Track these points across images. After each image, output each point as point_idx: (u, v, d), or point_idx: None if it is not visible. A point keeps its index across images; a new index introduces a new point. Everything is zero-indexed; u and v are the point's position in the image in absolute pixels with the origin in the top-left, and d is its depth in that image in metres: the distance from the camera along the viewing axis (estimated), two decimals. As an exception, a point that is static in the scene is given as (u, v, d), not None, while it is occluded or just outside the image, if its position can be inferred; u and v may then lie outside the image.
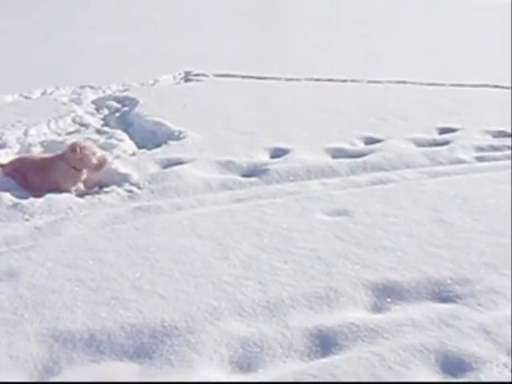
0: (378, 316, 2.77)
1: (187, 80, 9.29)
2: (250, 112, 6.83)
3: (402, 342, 2.51)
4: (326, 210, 4.03)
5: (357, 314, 2.77)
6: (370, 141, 5.97)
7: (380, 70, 9.54)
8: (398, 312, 2.80)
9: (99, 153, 4.44)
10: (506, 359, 2.43)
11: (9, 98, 7.22)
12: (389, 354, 2.41)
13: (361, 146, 5.80)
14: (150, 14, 16.91)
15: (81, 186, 4.47)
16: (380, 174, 5.02)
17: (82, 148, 4.35)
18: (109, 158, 4.65)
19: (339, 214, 3.98)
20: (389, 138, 5.96)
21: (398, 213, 4.02)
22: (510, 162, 5.53)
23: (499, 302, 2.88)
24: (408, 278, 3.08)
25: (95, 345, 2.44)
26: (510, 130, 6.51)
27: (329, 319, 2.68)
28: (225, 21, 15.83)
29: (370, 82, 9.14)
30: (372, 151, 5.59)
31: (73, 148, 4.40)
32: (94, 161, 4.32)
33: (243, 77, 9.35)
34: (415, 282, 3.06)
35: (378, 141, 5.94)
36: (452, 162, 5.45)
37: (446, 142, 5.98)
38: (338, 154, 5.50)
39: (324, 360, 2.40)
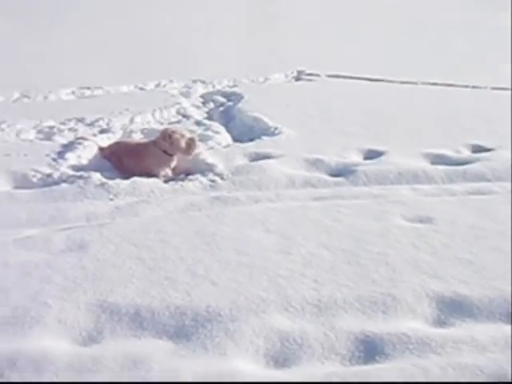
0: (437, 330, 2.57)
1: (298, 79, 9.34)
2: (352, 113, 6.70)
3: (453, 359, 2.31)
4: (407, 216, 3.83)
5: (413, 325, 2.59)
6: (477, 149, 5.59)
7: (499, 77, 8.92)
8: (460, 329, 2.59)
9: (188, 135, 4.60)
10: None
11: (124, 89, 7.73)
12: (435, 370, 2.23)
13: (466, 153, 5.45)
14: (275, 12, 17.22)
15: (169, 172, 4.66)
16: (480, 185, 4.68)
17: (172, 132, 4.54)
18: (199, 145, 4.80)
19: (421, 221, 3.77)
20: (500, 148, 5.56)
21: (488, 225, 3.72)
22: None
23: None
24: (480, 293, 2.84)
25: (139, 320, 2.53)
26: None
27: (380, 326, 2.54)
28: (342, 21, 15.69)
29: (493, 88, 8.61)
30: (477, 160, 5.24)
31: (163, 134, 4.60)
32: (183, 144, 4.49)
33: (355, 78, 9.21)
34: (488, 299, 2.81)
35: (487, 150, 5.56)
36: None
37: None
38: (437, 160, 5.21)
39: (363, 367, 2.28)
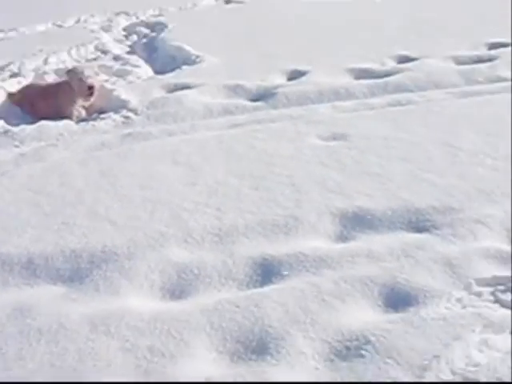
0: (337, 246, 2.60)
1: (228, 2, 9.01)
2: (279, 34, 6.52)
3: (348, 273, 2.34)
4: (322, 135, 3.80)
5: (314, 244, 2.61)
6: (403, 60, 5.54)
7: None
8: (359, 242, 2.61)
9: (90, 80, 4.40)
10: (460, 294, 2.22)
11: (40, 27, 7.34)
12: (328, 286, 2.26)
13: (391, 65, 5.40)
14: None
15: (83, 112, 4.49)
16: (401, 96, 4.66)
17: (74, 74, 4.34)
18: (108, 84, 4.62)
19: (335, 138, 3.74)
20: (426, 57, 5.50)
21: (402, 136, 3.72)
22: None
23: (478, 233, 2.61)
24: (384, 206, 2.85)
25: (32, 268, 2.48)
26: None
27: (279, 249, 2.55)
28: None
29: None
30: (401, 71, 5.20)
31: (68, 74, 4.40)
32: (85, 87, 4.31)
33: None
34: (391, 210, 2.82)
35: (413, 59, 5.52)
36: (490, 81, 4.94)
37: (491, 59, 5.44)
38: (362, 74, 5.15)
39: (257, 290, 2.30)
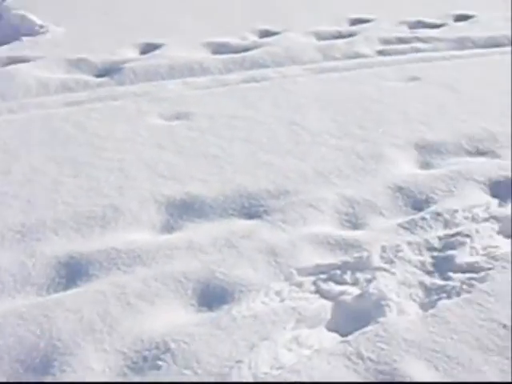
0: (159, 238, 2.38)
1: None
2: (137, 4, 6.14)
3: (162, 269, 2.14)
4: (165, 114, 3.55)
5: (133, 237, 2.37)
6: (264, 34, 5.41)
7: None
8: (185, 232, 2.42)
9: None
10: (280, 287, 2.09)
11: None
12: (136, 286, 2.04)
13: (252, 40, 5.24)
14: None
15: None
16: (257, 72, 4.51)
17: None
18: None
19: (178, 117, 3.51)
20: (287, 31, 5.40)
21: (249, 115, 3.56)
22: (414, 55, 5.07)
23: (309, 218, 2.51)
24: (217, 191, 2.67)
25: None
26: (429, 20, 5.99)
27: (92, 244, 2.29)
28: None
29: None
30: (260, 46, 5.05)
31: None
32: None
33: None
34: (224, 196, 2.65)
35: (275, 34, 5.39)
36: (348, 57, 4.93)
37: (351, 35, 5.45)
38: (219, 49, 4.93)
39: (56, 296, 2.04)
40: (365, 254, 2.27)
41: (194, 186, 2.70)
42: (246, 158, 3.00)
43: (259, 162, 2.96)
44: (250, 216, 2.57)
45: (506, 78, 4.36)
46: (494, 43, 5.33)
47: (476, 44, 5.27)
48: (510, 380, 1.73)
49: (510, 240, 2.46)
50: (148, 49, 4.79)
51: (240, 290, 2.05)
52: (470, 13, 6.18)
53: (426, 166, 3.07)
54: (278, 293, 2.08)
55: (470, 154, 3.17)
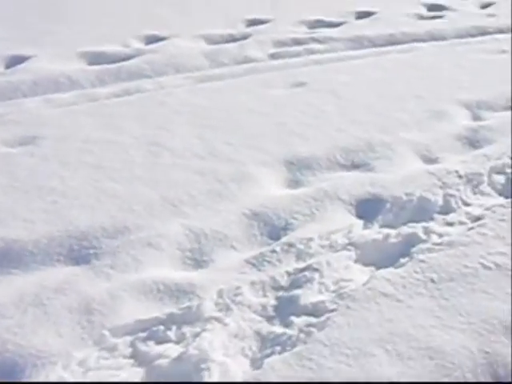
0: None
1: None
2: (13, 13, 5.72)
3: None
4: (8, 140, 3.15)
5: None
6: (151, 40, 5.08)
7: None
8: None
9: None
10: (86, 354, 1.78)
11: None
12: None
13: (135, 47, 4.90)
14: None
15: None
16: (132, 84, 4.16)
17: None
18: None
19: (23, 143, 3.11)
20: (175, 36, 5.10)
21: (105, 135, 3.17)
22: (308, 57, 4.86)
23: (144, 260, 2.19)
24: (40, 233, 2.29)
25: None
26: (328, 19, 5.82)
27: None
28: None
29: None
30: (143, 53, 4.73)
31: None
32: None
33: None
34: (47, 239, 2.28)
35: (162, 39, 5.08)
36: (237, 62, 4.67)
37: (245, 37, 5.20)
38: (96, 59, 4.56)
39: None
40: (196, 302, 2.00)
41: (15, 229, 2.37)
42: (88, 188, 2.68)
43: (102, 193, 2.64)
44: (77, 261, 2.24)
45: (398, 78, 4.21)
46: (392, 41, 5.21)
47: (374, 43, 5.11)
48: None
49: (367, 268, 2.25)
50: (13, 62, 4.40)
51: (34, 363, 1.74)
52: (372, 9, 6.07)
53: (293, 184, 2.83)
54: (81, 362, 1.77)
55: (343, 167, 2.96)
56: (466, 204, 2.61)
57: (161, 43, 4.92)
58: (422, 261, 2.16)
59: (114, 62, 4.52)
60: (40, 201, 2.57)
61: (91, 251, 2.28)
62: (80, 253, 2.28)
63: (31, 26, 5.03)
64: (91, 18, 5.36)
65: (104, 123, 3.39)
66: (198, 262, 2.27)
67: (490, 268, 2.09)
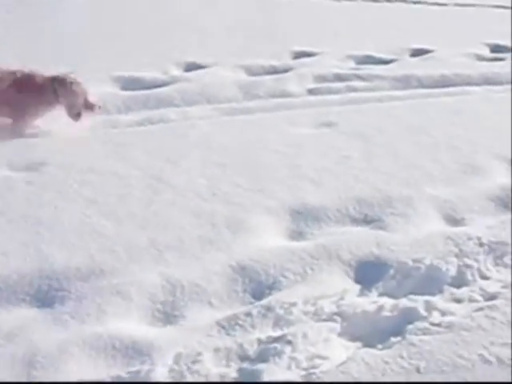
0: None
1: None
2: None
3: None
4: (15, 165, 3.16)
5: None
6: (191, 67, 5.02)
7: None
8: None
9: None
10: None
11: None
12: None
13: (173, 74, 4.85)
14: None
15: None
16: (157, 113, 4.08)
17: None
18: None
19: (30, 169, 3.12)
20: (216, 65, 5.02)
21: (107, 167, 3.08)
22: (346, 95, 4.65)
23: (109, 311, 2.06)
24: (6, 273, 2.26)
25: None
26: (378, 55, 5.58)
27: None
28: None
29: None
30: (178, 81, 4.67)
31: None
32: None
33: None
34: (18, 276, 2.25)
35: (202, 67, 5.02)
36: (272, 96, 4.51)
37: (287, 70, 5.05)
38: (130, 85, 4.55)
39: None
40: (147, 366, 1.84)
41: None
42: (76, 224, 2.57)
43: (88, 230, 2.52)
44: (42, 303, 2.12)
45: (437, 125, 3.91)
46: (442, 82, 4.92)
47: (422, 83, 4.83)
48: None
49: (350, 344, 2.01)
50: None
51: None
52: (429, 47, 5.79)
53: (295, 236, 2.63)
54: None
55: (353, 221, 2.72)
56: (483, 277, 2.32)
57: (199, 71, 4.86)
58: (413, 344, 1.90)
59: (147, 88, 4.49)
60: (23, 232, 2.50)
61: (59, 293, 2.17)
62: (47, 294, 2.17)
63: (69, 45, 5.10)
64: (137, 40, 5.39)
65: (112, 152, 3.31)
66: (168, 317, 2.11)
67: (489, 362, 1.82)
